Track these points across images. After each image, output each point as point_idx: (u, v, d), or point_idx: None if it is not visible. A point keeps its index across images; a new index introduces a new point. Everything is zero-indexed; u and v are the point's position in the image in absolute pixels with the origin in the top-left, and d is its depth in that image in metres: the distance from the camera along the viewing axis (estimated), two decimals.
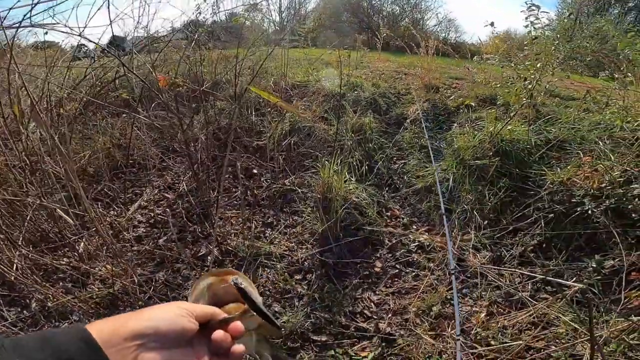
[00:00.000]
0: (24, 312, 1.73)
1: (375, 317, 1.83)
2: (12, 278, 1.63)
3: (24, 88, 1.68)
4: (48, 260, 1.79)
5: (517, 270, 1.96)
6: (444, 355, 1.59)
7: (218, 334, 0.42)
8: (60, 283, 1.85)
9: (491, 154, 2.60)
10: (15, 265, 1.66)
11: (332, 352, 1.63)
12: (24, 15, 1.44)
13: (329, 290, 1.93)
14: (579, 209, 2.06)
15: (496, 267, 2.03)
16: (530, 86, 2.72)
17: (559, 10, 12.72)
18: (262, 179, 2.57)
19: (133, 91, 3.08)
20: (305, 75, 3.81)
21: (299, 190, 2.45)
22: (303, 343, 1.66)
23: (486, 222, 2.30)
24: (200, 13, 3.33)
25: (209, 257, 2.07)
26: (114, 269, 1.79)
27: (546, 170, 2.38)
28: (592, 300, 1.69)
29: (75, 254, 1.92)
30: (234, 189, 2.42)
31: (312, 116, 2.90)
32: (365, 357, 1.61)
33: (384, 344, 1.67)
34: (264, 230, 2.26)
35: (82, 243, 1.99)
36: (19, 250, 1.71)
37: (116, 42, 3.73)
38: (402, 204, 2.55)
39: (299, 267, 2.07)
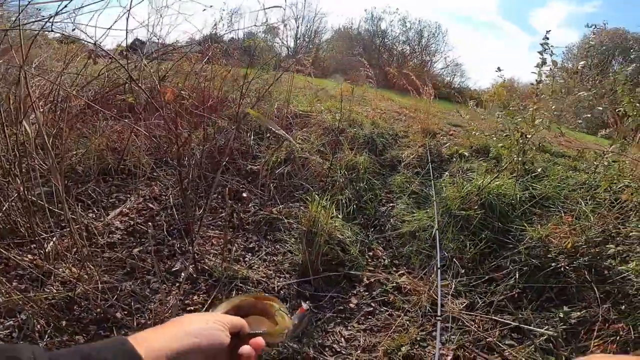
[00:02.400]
0: None
1: (344, 352, 1.81)
2: None
3: (27, 82, 1.70)
4: (12, 255, 1.74)
5: (489, 317, 2.00)
6: None
7: (246, 349, 0.46)
8: (17, 280, 1.79)
9: (476, 206, 2.66)
10: None
11: None
12: (51, 16, 1.46)
13: None
14: (553, 264, 2.13)
15: (470, 313, 2.06)
16: (522, 142, 2.80)
17: (563, 60, 13.24)
18: (250, 204, 2.58)
19: (139, 97, 3.12)
20: (308, 105, 3.92)
21: (286, 220, 2.46)
22: None
23: (464, 270, 2.34)
24: (216, 29, 3.46)
25: (182, 274, 2.04)
26: (79, 272, 1.74)
27: (527, 226, 2.44)
28: (559, 347, 1.75)
29: (42, 252, 1.87)
30: (220, 210, 2.42)
31: (308, 148, 2.97)
32: None
33: None
34: (245, 254, 2.24)
35: (52, 242, 1.95)
36: None
37: (136, 46, 3.81)
38: (385, 246, 2.56)
39: (274, 295, 2.05)
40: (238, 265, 2.15)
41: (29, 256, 1.91)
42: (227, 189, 2.12)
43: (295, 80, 4.22)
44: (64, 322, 1.63)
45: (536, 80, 2.79)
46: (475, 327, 1.94)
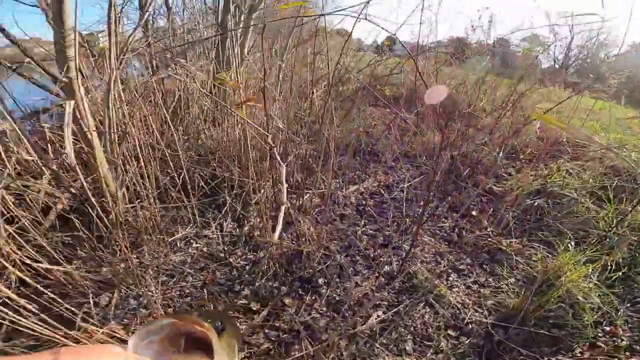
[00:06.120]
0: None
1: None
2: None
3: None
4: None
5: None
6: None
7: None
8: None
9: None
10: None
11: None
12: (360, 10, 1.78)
13: None
14: None
15: None
16: None
17: None
18: (476, 225, 2.32)
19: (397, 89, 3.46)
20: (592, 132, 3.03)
21: (514, 256, 2.06)
22: None
23: None
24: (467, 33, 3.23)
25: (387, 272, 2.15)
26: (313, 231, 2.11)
27: None
28: None
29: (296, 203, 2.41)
30: (443, 219, 2.34)
31: (576, 185, 2.27)
32: None
33: None
34: (451, 272, 2.11)
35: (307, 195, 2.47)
36: None
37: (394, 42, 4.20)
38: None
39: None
40: (439, 280, 2.05)
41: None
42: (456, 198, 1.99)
43: (586, 101, 3.31)
44: None
45: None
46: None
